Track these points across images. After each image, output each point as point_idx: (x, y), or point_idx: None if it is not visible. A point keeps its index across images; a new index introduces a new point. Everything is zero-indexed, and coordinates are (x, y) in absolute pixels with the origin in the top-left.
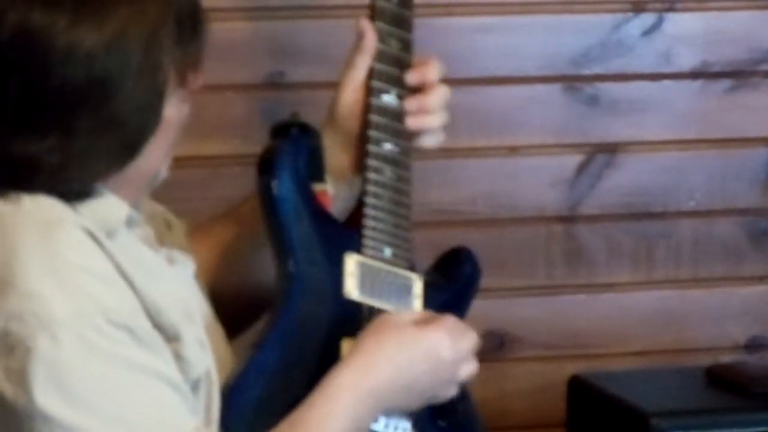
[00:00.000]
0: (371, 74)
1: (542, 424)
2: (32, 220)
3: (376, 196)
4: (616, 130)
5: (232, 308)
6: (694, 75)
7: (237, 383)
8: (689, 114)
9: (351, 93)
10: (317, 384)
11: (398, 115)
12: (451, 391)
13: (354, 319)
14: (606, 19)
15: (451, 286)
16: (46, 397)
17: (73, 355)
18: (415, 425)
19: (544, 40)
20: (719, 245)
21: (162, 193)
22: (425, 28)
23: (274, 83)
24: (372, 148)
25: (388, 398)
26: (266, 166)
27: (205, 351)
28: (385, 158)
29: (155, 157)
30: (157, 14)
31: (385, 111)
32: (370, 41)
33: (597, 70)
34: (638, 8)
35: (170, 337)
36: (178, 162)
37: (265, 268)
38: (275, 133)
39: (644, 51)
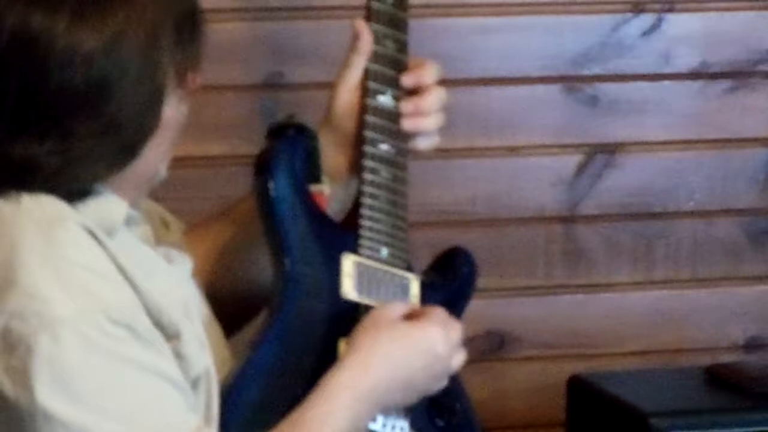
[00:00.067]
0: (367, 75)
1: (541, 423)
2: (33, 218)
3: (372, 196)
4: (616, 131)
5: (228, 307)
6: (694, 75)
7: (235, 383)
8: (688, 114)
9: (347, 94)
10: (315, 384)
11: (394, 115)
12: (444, 383)
13: (351, 319)
14: (605, 20)
15: (449, 285)
16: (47, 396)
17: (75, 353)
18: (412, 425)
19: (544, 40)
20: (718, 245)
21: (162, 193)
22: (425, 28)
23: (274, 84)
24: (368, 148)
25: (387, 395)
26: (263, 166)
27: (204, 349)
28: (381, 159)
29: (154, 158)
30: (155, 16)
31: (380, 112)
32: (366, 42)
33: (597, 70)
34: (638, 9)
35: (170, 335)
36: (178, 162)
37: (260, 267)
38: (272, 134)
39: (644, 51)
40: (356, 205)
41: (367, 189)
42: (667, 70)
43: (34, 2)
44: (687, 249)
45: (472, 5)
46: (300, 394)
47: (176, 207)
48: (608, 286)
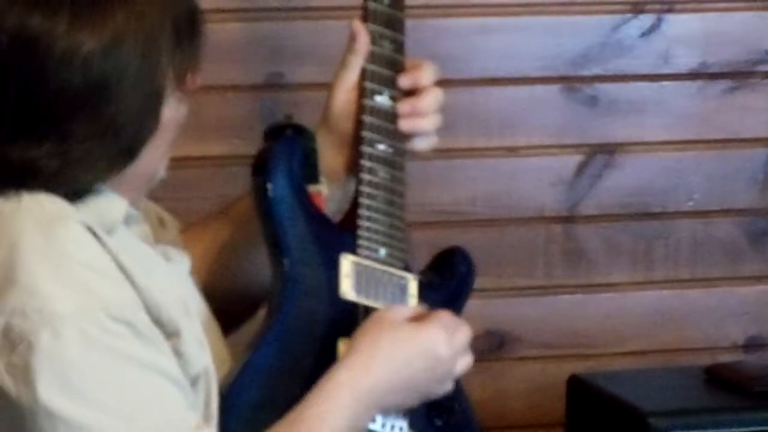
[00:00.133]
0: (364, 75)
1: (541, 423)
2: (33, 217)
3: (370, 196)
4: (615, 131)
5: (225, 305)
6: (693, 76)
7: (235, 384)
8: (688, 115)
9: (344, 94)
10: (315, 384)
11: (391, 116)
12: (447, 387)
13: (350, 320)
14: (605, 20)
15: (447, 285)
16: (48, 393)
17: (75, 350)
18: (411, 425)
19: (544, 40)
20: (718, 245)
21: (161, 193)
22: (425, 29)
23: (273, 84)
24: (365, 149)
25: (386, 396)
26: (261, 167)
27: (203, 348)
28: (379, 159)
29: (153, 158)
30: (154, 18)
31: (378, 112)
32: (363, 42)
33: (596, 70)
34: (637, 9)
35: (170, 333)
36: (178, 162)
37: (258, 266)
38: (269, 134)
39: (643, 52)
40: (354, 205)
41: (365, 189)
42: (666, 70)
43: (33, 4)
44: (686, 249)
45: (472, 5)
46: (299, 393)
47: (175, 207)
48: (608, 286)
